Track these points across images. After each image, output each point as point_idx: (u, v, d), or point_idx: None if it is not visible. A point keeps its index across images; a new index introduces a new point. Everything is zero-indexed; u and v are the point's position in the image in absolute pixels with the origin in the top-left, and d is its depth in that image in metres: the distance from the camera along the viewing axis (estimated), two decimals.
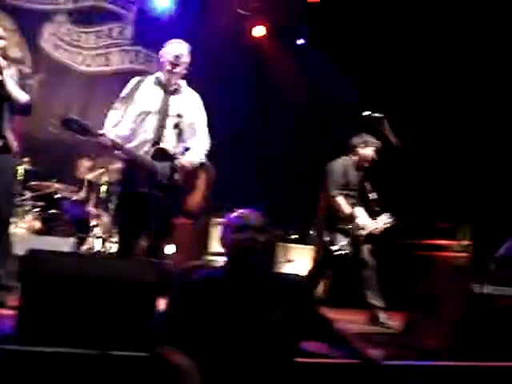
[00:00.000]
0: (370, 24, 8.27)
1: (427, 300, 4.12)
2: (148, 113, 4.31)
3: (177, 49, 4.38)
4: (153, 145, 4.26)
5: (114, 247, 6.58)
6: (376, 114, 5.07)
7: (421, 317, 4.19)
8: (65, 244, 6.17)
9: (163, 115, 4.32)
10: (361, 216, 5.50)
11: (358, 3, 8.23)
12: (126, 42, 8.66)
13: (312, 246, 6.37)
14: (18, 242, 4.66)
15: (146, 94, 4.38)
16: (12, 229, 4.79)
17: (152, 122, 4.30)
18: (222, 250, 2.85)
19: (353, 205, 5.54)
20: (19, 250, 4.17)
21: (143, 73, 5.03)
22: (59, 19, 8.16)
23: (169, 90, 4.41)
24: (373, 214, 5.52)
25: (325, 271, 5.83)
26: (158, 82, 4.43)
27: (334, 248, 5.33)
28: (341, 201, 5.47)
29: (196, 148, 4.42)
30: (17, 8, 7.72)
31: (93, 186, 7.29)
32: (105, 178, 7.06)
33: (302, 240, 8.16)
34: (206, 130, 4.55)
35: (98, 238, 6.80)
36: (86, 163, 7.35)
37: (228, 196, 6.32)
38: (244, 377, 2.56)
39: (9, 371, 2.69)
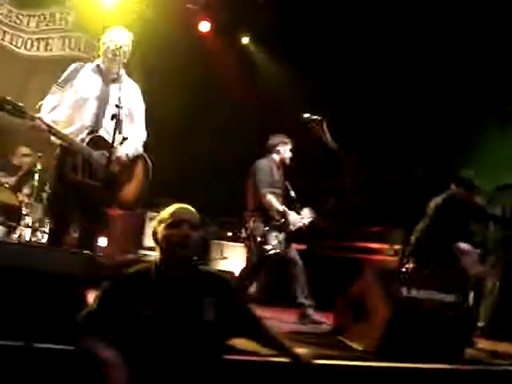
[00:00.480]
0: (316, 23, 8.38)
1: (357, 302, 4.18)
2: (86, 99, 4.22)
3: (119, 37, 4.31)
4: (90, 132, 4.18)
5: (44, 237, 6.43)
6: (315, 116, 5.11)
7: (350, 318, 4.25)
8: None
9: (102, 103, 4.24)
10: (289, 213, 5.57)
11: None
12: (68, 28, 8.48)
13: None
14: None
15: (85, 80, 4.29)
16: None
17: (90, 109, 4.22)
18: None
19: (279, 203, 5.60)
20: None
21: (84, 59, 4.92)
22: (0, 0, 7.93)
23: (109, 78, 4.33)
24: (294, 211, 5.58)
25: (260, 270, 5.84)
26: (98, 70, 4.35)
27: (267, 247, 5.34)
28: (272, 199, 5.51)
29: (133, 138, 4.35)
30: None
31: (26, 173, 7.10)
32: (38, 166, 6.88)
33: (237, 237, 8.17)
34: (144, 120, 4.51)
35: (28, 227, 6.63)
36: (22, 150, 7.16)
37: (164, 191, 6.26)
38: (174, 373, 2.54)
39: None
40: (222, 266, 7.83)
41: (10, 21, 8.01)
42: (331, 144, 5.08)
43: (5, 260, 2.86)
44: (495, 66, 7.53)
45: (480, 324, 5.85)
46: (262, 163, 5.73)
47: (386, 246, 8.00)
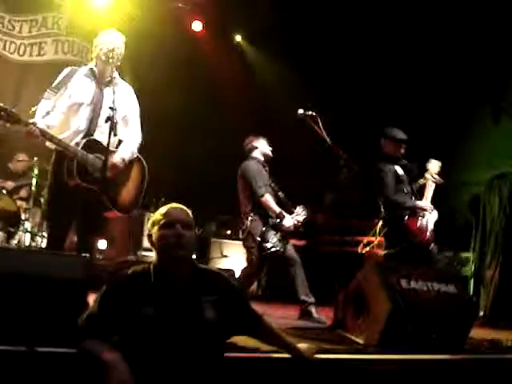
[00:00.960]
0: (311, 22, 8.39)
1: (357, 295, 4.19)
2: (80, 104, 4.23)
3: (111, 39, 4.31)
4: (84, 136, 4.18)
5: (44, 242, 6.43)
6: (309, 112, 5.12)
7: (351, 312, 4.27)
8: None
9: (96, 107, 4.24)
10: (285, 214, 5.58)
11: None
12: (61, 32, 8.48)
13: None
14: None
15: (79, 84, 4.29)
16: None
17: (84, 114, 4.22)
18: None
19: None
20: None
21: (77, 63, 4.92)
22: None
23: (102, 82, 4.34)
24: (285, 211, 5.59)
25: (261, 269, 5.85)
26: (92, 73, 4.35)
27: (267, 245, 5.36)
28: (269, 199, 5.51)
29: (128, 141, 4.37)
30: None
31: (23, 178, 7.11)
32: (36, 171, 6.88)
33: (236, 236, 8.19)
34: (139, 122, 4.51)
35: (27, 232, 6.64)
36: (19, 155, 7.18)
37: (162, 191, 6.28)
38: (176, 372, 2.55)
39: None
40: (221, 264, 7.85)
41: (2, 27, 8.01)
42: (326, 140, 5.09)
43: (5, 266, 2.87)
44: (492, 59, 7.55)
45: (481, 313, 5.88)
46: (251, 165, 5.71)
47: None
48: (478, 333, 4.71)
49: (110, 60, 4.28)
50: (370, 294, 4.08)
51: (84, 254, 3.64)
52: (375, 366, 3.62)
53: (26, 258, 3.09)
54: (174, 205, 2.83)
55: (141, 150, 4.50)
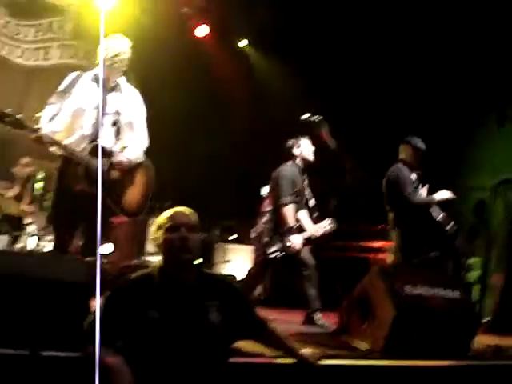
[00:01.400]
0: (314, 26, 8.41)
1: (362, 301, 4.18)
2: (85, 109, 4.23)
3: (116, 44, 4.32)
4: (90, 141, 4.19)
5: (48, 246, 6.44)
6: (314, 117, 5.12)
7: (355, 318, 4.26)
8: None
9: (101, 112, 4.25)
10: (304, 220, 5.55)
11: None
12: (66, 37, 8.49)
13: (250, 247, 6.39)
14: None
15: (84, 89, 4.29)
16: None
17: (90, 119, 4.23)
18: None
19: (297, 209, 5.57)
20: None
21: (83, 68, 4.93)
22: None
23: (107, 87, 4.34)
24: (313, 219, 5.55)
25: (265, 272, 5.84)
26: (96, 79, 4.35)
27: (270, 250, 5.36)
28: (289, 211, 5.45)
29: (134, 145, 4.37)
30: None
31: (28, 182, 7.12)
32: (41, 175, 6.90)
33: (241, 240, 8.19)
34: (145, 127, 4.51)
35: (32, 236, 6.65)
36: (23, 159, 7.18)
37: (165, 195, 6.27)
38: (181, 377, 2.54)
39: None
40: (225, 269, 7.84)
41: (8, 31, 8.03)
42: (331, 144, 5.10)
43: (10, 269, 2.88)
44: (497, 67, 7.56)
45: (485, 319, 5.85)
46: (286, 170, 5.60)
47: (389, 244, 8.01)
48: (482, 339, 4.69)
49: (115, 65, 4.29)
50: (375, 299, 4.08)
51: (88, 258, 3.64)
52: (379, 372, 3.61)
53: (30, 262, 3.10)
54: (178, 208, 2.83)
55: (147, 154, 4.50)
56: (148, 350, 2.55)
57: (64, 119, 4.22)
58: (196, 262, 2.80)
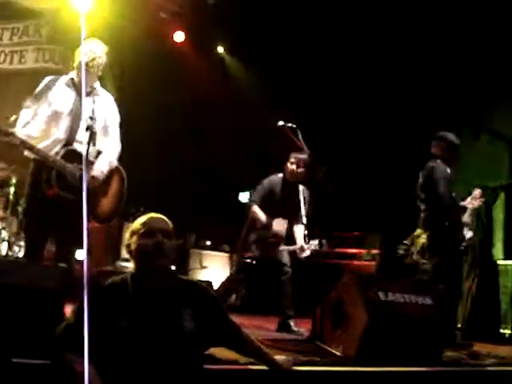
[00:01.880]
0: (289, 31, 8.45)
1: (335, 307, 4.20)
2: (60, 113, 4.21)
3: (92, 49, 4.29)
4: (64, 145, 4.16)
5: (21, 251, 6.37)
6: (290, 124, 5.15)
7: (329, 324, 4.28)
8: None
9: (76, 116, 4.22)
10: (298, 235, 5.55)
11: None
12: (42, 40, 8.41)
13: (226, 254, 6.41)
14: None
15: (60, 94, 4.27)
16: None
17: (64, 123, 4.20)
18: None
19: (293, 224, 5.57)
20: None
21: (58, 72, 4.89)
22: None
23: (82, 91, 4.31)
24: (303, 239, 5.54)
25: (241, 279, 5.85)
26: (72, 83, 4.33)
27: (245, 256, 5.38)
28: (256, 210, 5.48)
29: (107, 152, 4.34)
30: None
31: (0, 187, 7.03)
32: (13, 180, 6.82)
33: (216, 247, 8.19)
34: (119, 132, 4.49)
35: (4, 241, 6.57)
36: None
37: (141, 201, 6.25)
38: None
39: None
40: (201, 275, 7.83)
41: None
42: (305, 151, 5.12)
43: None
44: (472, 82, 7.67)
45: (458, 325, 5.92)
46: (266, 179, 5.69)
47: (363, 251, 8.08)
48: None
49: (91, 70, 4.26)
50: (348, 306, 4.10)
51: (61, 264, 3.61)
52: (353, 379, 3.63)
53: (2, 268, 3.06)
54: (153, 214, 2.82)
55: (120, 160, 4.48)
56: (118, 359, 2.53)
57: (39, 124, 4.18)
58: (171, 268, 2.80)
